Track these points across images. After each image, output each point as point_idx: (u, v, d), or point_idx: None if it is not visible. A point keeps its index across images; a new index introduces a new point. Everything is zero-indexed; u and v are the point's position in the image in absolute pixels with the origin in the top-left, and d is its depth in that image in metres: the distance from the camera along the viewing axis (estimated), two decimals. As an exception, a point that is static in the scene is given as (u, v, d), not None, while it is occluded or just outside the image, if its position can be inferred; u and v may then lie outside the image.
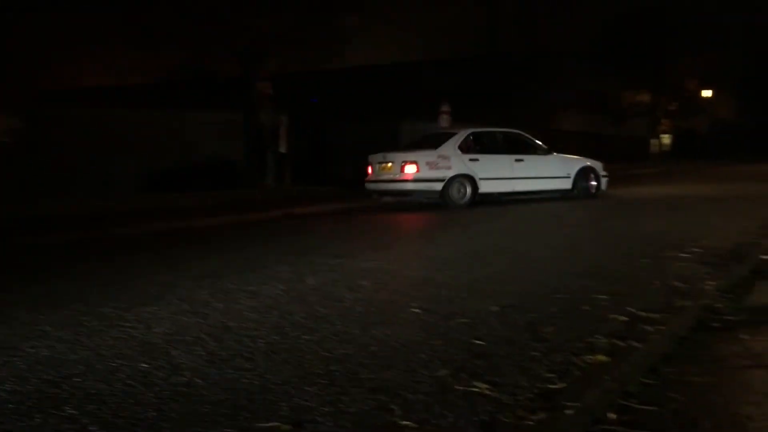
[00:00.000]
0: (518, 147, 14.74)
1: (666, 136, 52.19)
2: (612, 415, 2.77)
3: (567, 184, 14.90)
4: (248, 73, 18.24)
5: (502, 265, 6.60)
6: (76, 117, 16.66)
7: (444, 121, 24.37)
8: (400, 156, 13.50)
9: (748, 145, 56.46)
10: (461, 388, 3.20)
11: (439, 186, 13.13)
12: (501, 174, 13.88)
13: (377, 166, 13.82)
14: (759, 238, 8.23)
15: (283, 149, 19.11)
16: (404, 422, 2.79)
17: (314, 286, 5.58)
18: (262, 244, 8.77)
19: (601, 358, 3.69)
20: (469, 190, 13.41)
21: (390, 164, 13.49)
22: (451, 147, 13.53)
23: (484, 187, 13.57)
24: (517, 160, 14.18)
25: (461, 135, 13.96)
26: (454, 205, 13.16)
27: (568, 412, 2.83)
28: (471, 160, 13.57)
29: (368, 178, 14.12)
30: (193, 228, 10.75)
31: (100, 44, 22.05)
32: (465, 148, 13.77)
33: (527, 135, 15.20)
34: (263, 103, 18.86)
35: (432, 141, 14.19)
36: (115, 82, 25.66)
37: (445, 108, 24.40)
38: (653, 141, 49.36)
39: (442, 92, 24.67)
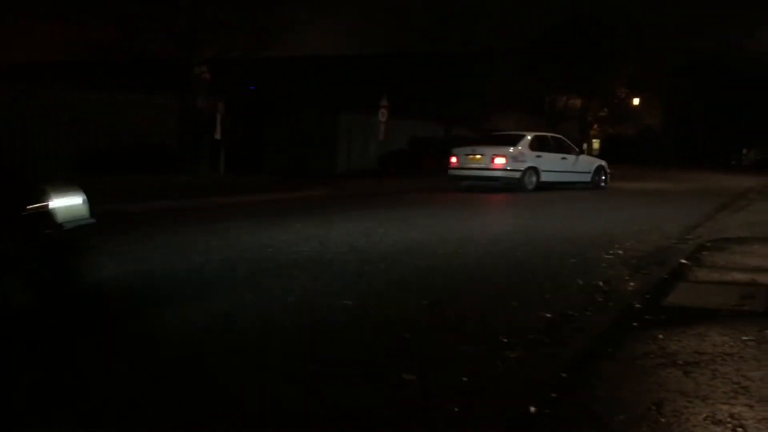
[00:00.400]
0: (562, 148, 18.84)
1: (596, 140, 53.77)
2: (532, 409, 2.86)
3: (587, 178, 19.11)
4: (186, 56, 17.83)
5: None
6: (-1, 94, 15.94)
7: (383, 115, 24.47)
8: (490, 150, 17.56)
9: (671, 152, 58.72)
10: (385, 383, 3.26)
11: (518, 174, 17.31)
12: (554, 168, 18.04)
13: (464, 157, 17.87)
14: (680, 242, 8.60)
15: (218, 136, 18.79)
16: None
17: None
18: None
19: (525, 353, 3.81)
20: (535, 179, 17.54)
21: (480, 156, 17.61)
22: (525, 146, 17.76)
23: (544, 177, 17.67)
24: (562, 158, 18.45)
25: (530, 137, 18.16)
26: (525, 190, 17.14)
27: (489, 404, 2.91)
28: (537, 156, 17.70)
29: (453, 165, 18.21)
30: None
31: (28, 18, 21.11)
32: (532, 147, 17.80)
33: (566, 139, 19.64)
34: (200, 89, 18.47)
35: (505, 140, 18.32)
36: (45, 58, 24.67)
37: (384, 102, 24.47)
38: (584, 145, 50.74)
39: (382, 86, 24.72)
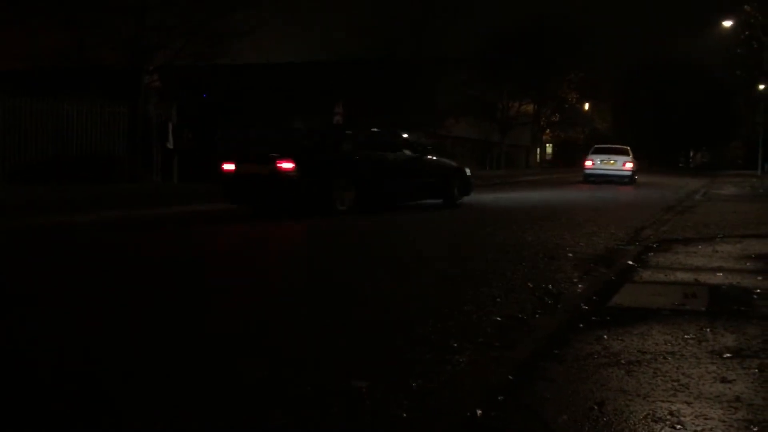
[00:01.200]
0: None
1: (549, 145, 54.67)
2: (479, 412, 2.90)
3: (628, 173, 27.54)
4: (136, 63, 17.55)
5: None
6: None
7: (338, 122, 24.47)
8: (621, 158, 27.17)
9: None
10: (337, 385, 3.27)
11: (629, 173, 26.82)
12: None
13: (599, 161, 27.10)
14: (627, 244, 8.81)
15: (170, 145, 18.53)
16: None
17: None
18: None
19: (475, 357, 3.85)
20: (636, 177, 27.86)
21: (613, 161, 26.97)
22: (630, 154, 27.67)
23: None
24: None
25: (629, 149, 28.18)
26: (630, 184, 26.14)
27: (436, 409, 2.94)
28: (632, 161, 27.58)
29: (589, 167, 27.26)
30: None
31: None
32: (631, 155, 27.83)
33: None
34: (150, 96, 18.20)
35: (616, 151, 28.15)
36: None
37: (338, 109, 24.52)
38: (537, 150, 51.56)
39: (337, 93, 24.75)
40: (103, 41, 17.35)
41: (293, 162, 10.93)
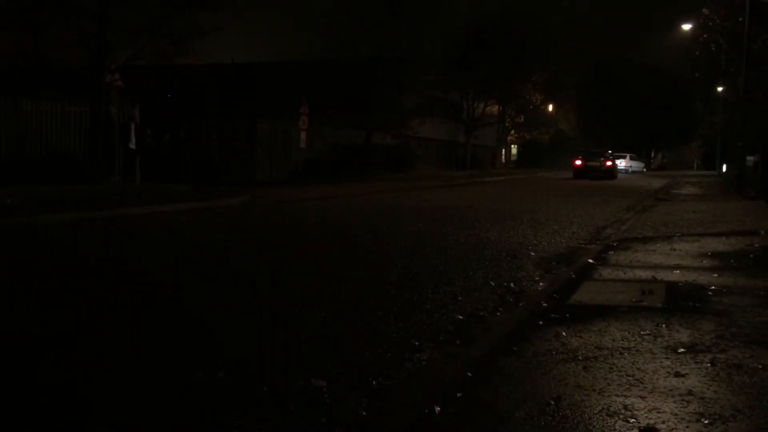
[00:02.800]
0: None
1: (514, 146, 55.17)
2: (437, 408, 2.92)
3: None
4: (96, 62, 17.23)
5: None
6: None
7: (303, 122, 24.40)
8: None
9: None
10: (298, 384, 3.27)
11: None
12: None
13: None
14: (589, 243, 8.93)
15: (132, 145, 18.24)
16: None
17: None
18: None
19: (435, 355, 3.88)
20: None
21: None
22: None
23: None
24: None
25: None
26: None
27: (394, 407, 2.96)
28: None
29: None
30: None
31: None
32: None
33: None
34: (113, 96, 17.89)
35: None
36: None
37: (304, 109, 24.42)
38: (502, 150, 51.99)
39: (301, 93, 24.66)
40: (63, 40, 16.99)
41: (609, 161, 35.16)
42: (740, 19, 20.60)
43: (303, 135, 24.53)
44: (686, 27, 31.40)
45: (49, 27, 16.13)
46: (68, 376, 3.48)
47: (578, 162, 34.87)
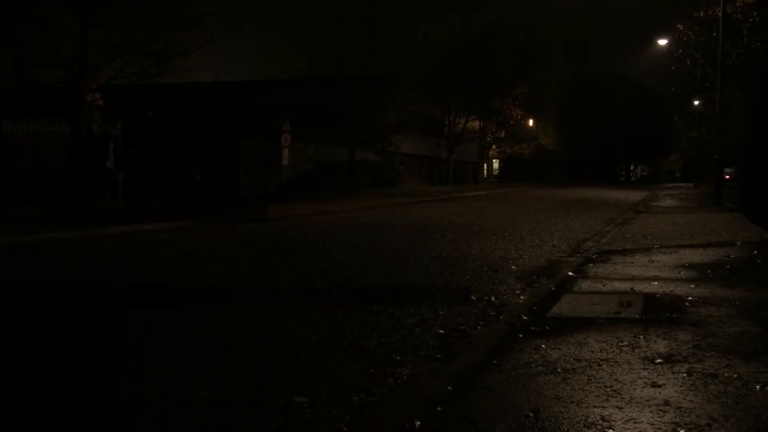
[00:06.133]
0: None
1: (495, 161, 55.55)
2: (417, 423, 2.95)
3: None
4: (78, 82, 17.19)
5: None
6: None
7: (286, 140, 24.43)
8: None
9: (565, 171, 61.63)
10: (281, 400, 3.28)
11: None
12: None
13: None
14: (569, 256, 9.02)
15: (110, 164, 18.15)
16: None
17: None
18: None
19: (417, 369, 3.91)
20: None
21: None
22: None
23: None
24: None
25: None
26: None
27: (376, 422, 2.98)
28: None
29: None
30: None
31: None
32: None
33: None
34: (94, 115, 17.84)
35: None
36: None
37: (286, 127, 24.49)
38: (484, 165, 52.33)
39: (284, 111, 24.73)
40: (44, 59, 16.95)
41: None
42: (714, 34, 21.01)
43: (286, 152, 24.56)
44: (662, 42, 31.92)
45: (30, 46, 16.09)
46: None
47: None
